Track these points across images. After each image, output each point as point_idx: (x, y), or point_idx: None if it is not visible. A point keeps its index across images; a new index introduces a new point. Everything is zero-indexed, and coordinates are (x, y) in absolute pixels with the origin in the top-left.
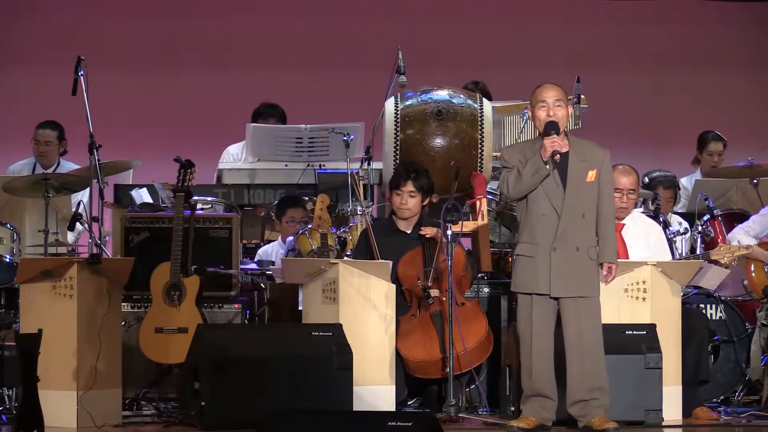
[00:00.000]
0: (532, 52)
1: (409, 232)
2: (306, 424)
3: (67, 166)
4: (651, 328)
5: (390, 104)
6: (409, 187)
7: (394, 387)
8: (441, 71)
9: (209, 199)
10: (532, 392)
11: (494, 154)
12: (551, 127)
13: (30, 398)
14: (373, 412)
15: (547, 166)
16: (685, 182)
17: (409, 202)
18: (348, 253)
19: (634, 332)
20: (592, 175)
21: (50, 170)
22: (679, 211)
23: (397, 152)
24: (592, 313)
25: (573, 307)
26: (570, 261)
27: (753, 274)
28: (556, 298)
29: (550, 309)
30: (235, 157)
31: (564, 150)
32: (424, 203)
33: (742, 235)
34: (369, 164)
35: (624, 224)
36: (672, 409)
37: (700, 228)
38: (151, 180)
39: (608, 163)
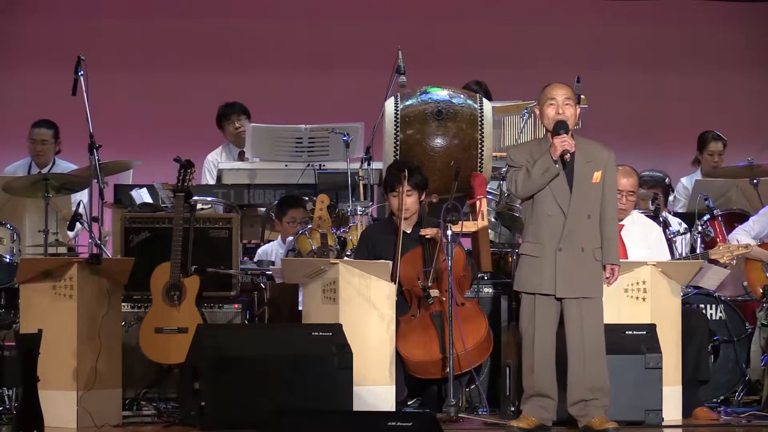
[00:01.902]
0: (532, 52)
1: (409, 231)
2: (306, 424)
3: (63, 165)
4: (651, 328)
5: (390, 104)
6: (405, 186)
7: (394, 387)
8: (441, 71)
9: (209, 199)
10: (533, 392)
11: (494, 154)
12: (561, 127)
13: (30, 398)
14: (373, 412)
15: (557, 166)
16: (686, 182)
17: (407, 201)
18: (348, 253)
19: (634, 332)
20: (597, 176)
21: (46, 169)
22: (680, 211)
23: (397, 152)
24: (594, 313)
25: (576, 308)
26: (575, 261)
27: (752, 275)
28: (559, 299)
29: (553, 309)
30: (214, 163)
31: (572, 149)
32: (422, 200)
33: (743, 236)
34: (369, 164)
35: (623, 225)
36: (672, 409)
37: (700, 228)
38: (151, 180)
39: (612, 165)
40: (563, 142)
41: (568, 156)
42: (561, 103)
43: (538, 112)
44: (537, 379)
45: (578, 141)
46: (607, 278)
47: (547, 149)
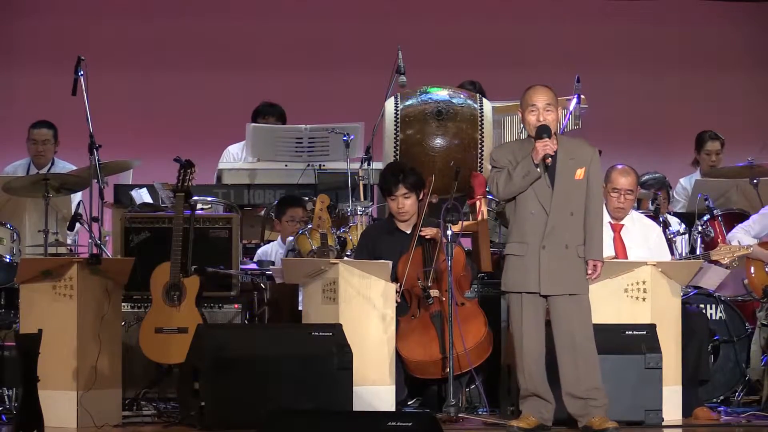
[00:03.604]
0: (532, 52)
1: (408, 231)
2: (306, 424)
3: (62, 165)
4: (651, 328)
5: (390, 104)
6: (401, 190)
7: (394, 387)
8: (441, 71)
9: (209, 199)
10: (528, 392)
11: None
12: (543, 131)
13: (30, 398)
14: (373, 412)
15: (538, 169)
16: (685, 182)
17: (405, 204)
18: (348, 253)
19: (634, 332)
20: (580, 173)
21: (45, 169)
22: (680, 211)
23: (397, 152)
24: (582, 311)
25: (563, 305)
26: (559, 259)
27: (753, 274)
28: (545, 296)
29: (540, 307)
30: (235, 156)
31: (553, 153)
32: (420, 198)
33: (742, 235)
34: (369, 164)
35: (623, 225)
36: (672, 409)
37: (700, 228)
38: (151, 180)
39: (597, 162)
40: (545, 146)
41: (549, 160)
42: (542, 110)
43: (520, 114)
44: (530, 379)
45: (561, 139)
46: (589, 274)
47: (529, 152)
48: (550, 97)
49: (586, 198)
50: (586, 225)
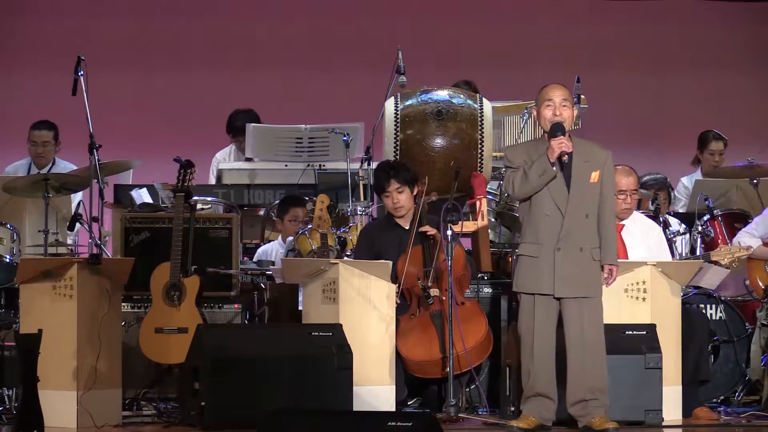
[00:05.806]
0: (531, 52)
1: (407, 227)
2: (306, 424)
3: (63, 165)
4: (651, 328)
5: (390, 104)
6: (394, 185)
7: (394, 387)
8: (441, 71)
9: (209, 199)
10: (532, 392)
11: (494, 154)
12: (557, 129)
13: (30, 398)
14: (373, 412)
15: (554, 168)
16: (686, 182)
17: (400, 199)
18: (348, 253)
19: (634, 332)
20: (595, 176)
21: (46, 169)
22: (680, 211)
23: (397, 152)
24: (594, 313)
25: (576, 308)
26: (573, 261)
27: (754, 273)
28: (558, 298)
29: (552, 309)
30: (222, 162)
31: (570, 150)
32: (415, 194)
33: (747, 238)
34: (369, 164)
35: (624, 224)
36: (672, 409)
37: (700, 228)
38: (151, 180)
39: (610, 165)
40: (560, 144)
41: (565, 158)
42: (558, 105)
43: (535, 113)
44: (536, 380)
45: (575, 141)
46: (605, 278)
47: (544, 151)
48: (566, 93)
49: (599, 200)
50: (601, 228)
